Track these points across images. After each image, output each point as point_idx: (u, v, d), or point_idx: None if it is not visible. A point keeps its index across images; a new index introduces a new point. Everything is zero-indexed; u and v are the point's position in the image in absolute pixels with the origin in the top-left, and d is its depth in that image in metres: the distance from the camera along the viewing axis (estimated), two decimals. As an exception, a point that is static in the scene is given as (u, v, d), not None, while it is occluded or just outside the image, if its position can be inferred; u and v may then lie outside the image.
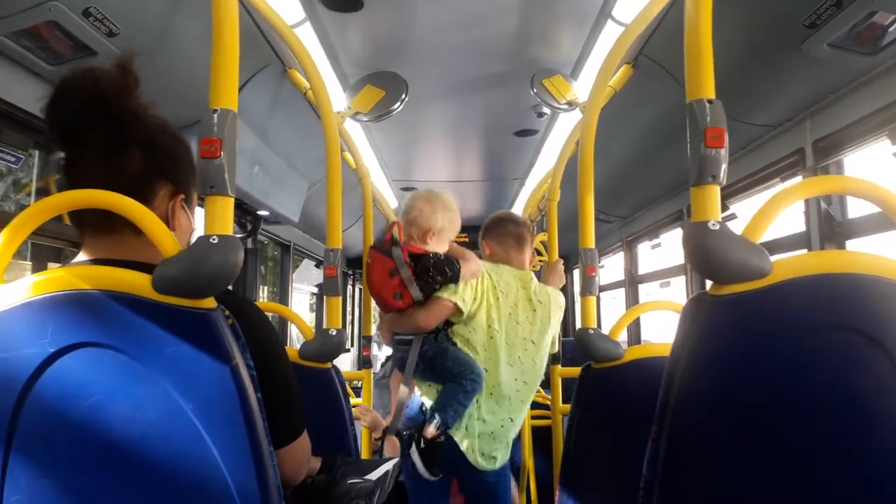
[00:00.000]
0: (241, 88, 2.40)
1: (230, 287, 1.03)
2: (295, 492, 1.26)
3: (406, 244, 2.17)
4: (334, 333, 1.87)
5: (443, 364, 2.14)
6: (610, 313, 6.08)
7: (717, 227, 1.02)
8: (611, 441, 1.72)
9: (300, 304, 6.93)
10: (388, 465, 1.46)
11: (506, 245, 2.36)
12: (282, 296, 4.99)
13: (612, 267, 5.59)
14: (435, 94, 3.18)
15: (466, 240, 7.31)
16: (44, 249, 2.23)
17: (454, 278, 2.13)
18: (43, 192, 2.02)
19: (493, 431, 2.13)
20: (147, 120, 1.09)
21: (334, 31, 2.44)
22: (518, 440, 4.15)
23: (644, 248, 4.66)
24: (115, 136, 1.04)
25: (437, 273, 2.11)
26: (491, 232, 2.45)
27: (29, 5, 1.56)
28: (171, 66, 2.08)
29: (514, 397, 2.17)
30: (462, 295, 2.15)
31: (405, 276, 2.09)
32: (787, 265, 1.02)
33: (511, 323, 2.20)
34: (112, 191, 0.98)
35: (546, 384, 3.08)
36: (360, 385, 3.47)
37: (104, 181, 1.02)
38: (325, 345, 1.86)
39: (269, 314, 3.51)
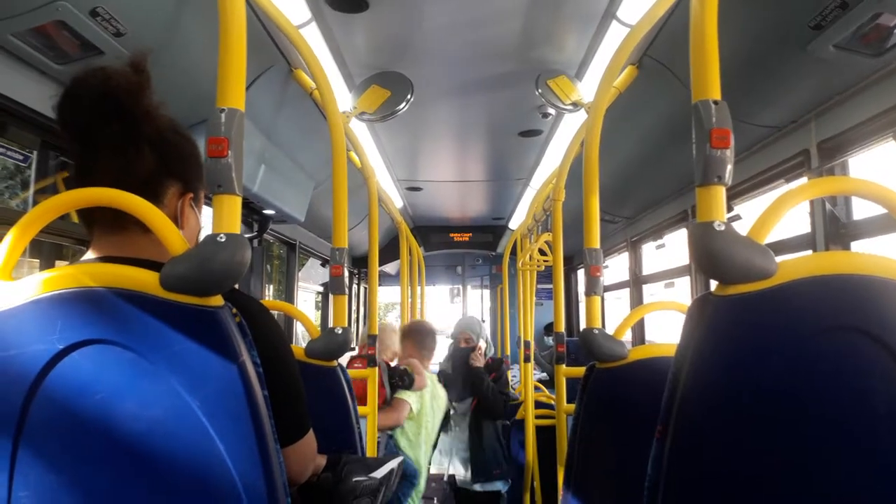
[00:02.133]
0: (247, 88, 2.40)
1: (237, 285, 1.03)
2: (301, 489, 1.26)
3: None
4: (340, 332, 1.88)
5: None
6: (614, 313, 6.08)
7: (723, 227, 1.02)
8: (615, 440, 1.72)
9: (306, 303, 6.94)
10: (393, 464, 1.46)
11: (425, 358, 3.52)
12: (287, 294, 5.01)
13: (616, 267, 5.59)
14: (440, 95, 3.19)
15: (468, 238, 7.34)
16: (43, 246, 2.24)
17: (410, 385, 3.14)
18: (40, 191, 2.03)
19: None
20: (158, 119, 1.09)
21: (340, 32, 2.44)
22: (522, 440, 4.17)
23: (649, 249, 4.65)
24: (128, 134, 1.05)
25: (400, 380, 3.10)
26: (415, 339, 3.56)
27: (37, 5, 1.57)
28: (179, 66, 2.08)
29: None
30: (412, 398, 3.16)
31: (384, 379, 3.01)
32: (793, 266, 1.02)
33: (431, 414, 3.32)
34: (123, 189, 0.99)
35: (550, 384, 3.08)
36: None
37: (116, 179, 1.03)
38: (331, 343, 1.86)
39: (275, 312, 3.53)
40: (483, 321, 4.41)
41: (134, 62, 1.05)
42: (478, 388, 3.98)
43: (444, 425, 4.03)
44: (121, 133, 1.04)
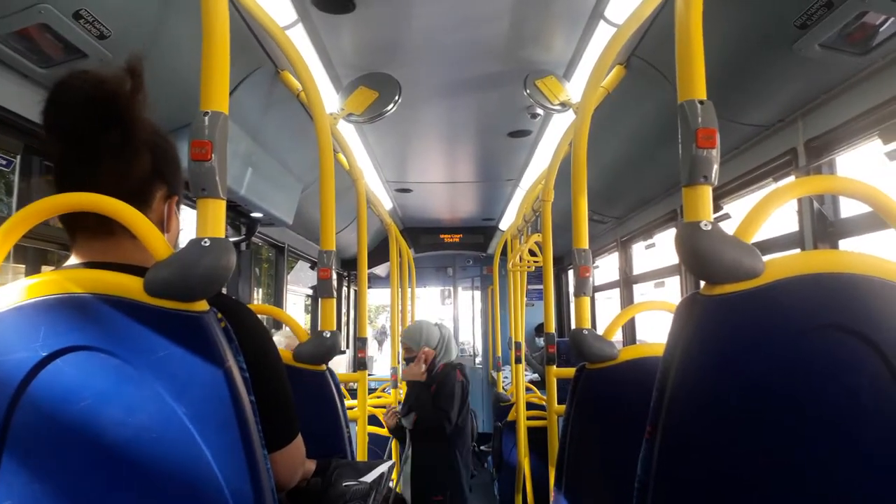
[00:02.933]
0: (233, 90, 2.39)
1: (224, 289, 1.02)
2: (290, 494, 1.25)
3: None
4: (328, 335, 1.87)
5: None
6: (604, 314, 6.09)
7: (710, 227, 1.02)
8: (606, 441, 1.72)
9: (295, 306, 6.91)
10: (383, 468, 1.45)
11: None
12: (276, 298, 4.98)
13: (606, 267, 5.60)
14: (428, 96, 3.18)
15: (459, 240, 7.34)
16: (28, 251, 2.23)
17: None
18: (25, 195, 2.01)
19: None
20: (146, 123, 1.08)
21: (327, 33, 2.44)
22: (513, 441, 4.17)
23: (638, 249, 4.66)
24: (126, 139, 1.04)
25: None
26: None
27: (19, 7, 1.55)
28: (163, 69, 2.07)
29: None
30: None
31: None
32: (780, 265, 1.02)
33: None
34: (118, 193, 0.98)
35: (541, 385, 3.08)
36: (355, 387, 3.48)
37: (114, 185, 1.02)
38: (320, 347, 1.85)
39: (264, 316, 3.53)
40: (441, 322, 3.94)
41: (131, 67, 1.03)
42: (413, 404, 3.53)
43: (403, 441, 3.76)
44: (119, 137, 1.03)
